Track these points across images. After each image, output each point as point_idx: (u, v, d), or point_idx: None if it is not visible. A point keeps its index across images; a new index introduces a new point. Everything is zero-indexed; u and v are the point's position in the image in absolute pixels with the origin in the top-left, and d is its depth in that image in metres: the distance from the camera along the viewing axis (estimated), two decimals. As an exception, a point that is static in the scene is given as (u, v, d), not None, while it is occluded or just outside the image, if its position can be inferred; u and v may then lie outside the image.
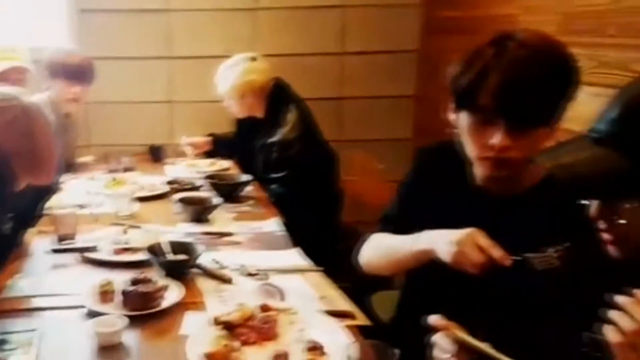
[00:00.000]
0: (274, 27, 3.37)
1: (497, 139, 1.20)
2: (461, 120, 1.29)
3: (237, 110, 2.86)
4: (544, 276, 1.21)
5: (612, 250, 1.01)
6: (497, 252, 1.15)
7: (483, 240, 1.17)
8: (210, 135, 3.14)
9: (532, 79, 1.17)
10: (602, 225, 1.00)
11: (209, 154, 3.11)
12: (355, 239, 2.85)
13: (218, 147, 3.12)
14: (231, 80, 2.75)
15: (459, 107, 1.29)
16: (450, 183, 1.40)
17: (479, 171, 1.32)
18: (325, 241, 2.27)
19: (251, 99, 2.78)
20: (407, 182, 1.56)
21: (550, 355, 1.19)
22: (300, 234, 2.05)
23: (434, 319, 1.07)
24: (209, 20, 3.35)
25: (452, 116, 1.35)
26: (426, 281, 1.40)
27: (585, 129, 1.02)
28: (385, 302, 1.95)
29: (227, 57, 2.90)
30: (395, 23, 3.43)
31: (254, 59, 2.79)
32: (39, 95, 2.75)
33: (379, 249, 1.48)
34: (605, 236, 1.01)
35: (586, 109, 2.14)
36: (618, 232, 0.98)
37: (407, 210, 1.50)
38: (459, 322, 1.08)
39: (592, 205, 1.00)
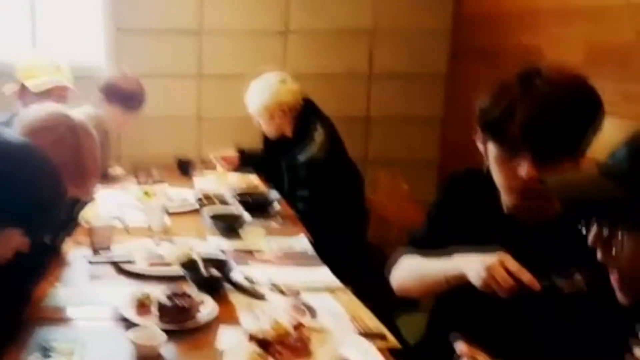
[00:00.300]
0: (304, 48, 3.46)
1: (523, 170, 1.25)
2: (490, 151, 1.34)
3: (266, 129, 2.93)
4: (572, 301, 1.24)
5: (619, 296, 1.00)
6: (526, 277, 1.19)
7: (512, 264, 1.21)
8: (238, 150, 3.21)
9: (557, 114, 1.22)
10: (599, 254, 1.01)
11: (236, 169, 3.18)
12: (381, 258, 2.91)
13: (246, 163, 3.19)
14: (262, 101, 2.82)
15: (487, 139, 1.35)
16: (480, 209, 1.44)
17: (508, 200, 1.36)
18: (350, 260, 2.32)
19: (281, 119, 2.85)
20: (438, 206, 1.61)
21: None
22: (325, 252, 2.10)
23: (459, 346, 1.10)
24: (239, 40, 3.45)
25: (480, 146, 1.40)
26: (455, 305, 1.44)
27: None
28: (410, 325, 1.98)
29: (256, 75, 2.98)
30: (423, 47, 3.51)
31: (284, 80, 2.86)
32: (84, 108, 2.85)
33: (411, 273, 1.52)
34: (611, 275, 1.00)
35: (611, 139, 2.18)
36: (616, 262, 0.98)
37: (437, 233, 1.54)
38: (487, 346, 1.12)
39: (591, 233, 1.01)
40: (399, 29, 3.48)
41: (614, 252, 0.95)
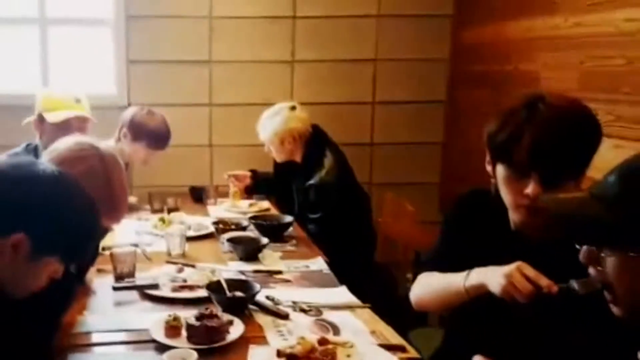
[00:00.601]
0: (310, 77, 3.58)
1: (530, 189, 1.34)
2: (498, 172, 1.44)
3: (277, 155, 3.03)
4: (588, 303, 1.29)
5: (614, 310, 1.05)
6: (544, 281, 1.26)
7: (530, 270, 1.28)
8: (250, 170, 3.30)
9: (562, 138, 1.32)
10: (591, 270, 1.06)
11: (248, 191, 3.27)
12: (389, 277, 2.98)
13: (257, 184, 3.28)
14: (273, 128, 2.93)
15: (496, 160, 1.44)
16: (488, 228, 1.52)
17: (515, 217, 1.44)
18: (361, 279, 2.39)
19: (291, 145, 2.96)
20: (447, 226, 1.69)
21: None
22: (336, 273, 2.18)
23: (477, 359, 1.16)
24: (248, 71, 3.56)
25: (488, 167, 1.50)
26: (471, 318, 1.52)
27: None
28: (420, 339, 2.06)
29: (265, 104, 3.10)
30: (424, 75, 3.63)
31: (293, 107, 2.98)
32: (106, 141, 2.93)
33: (430, 287, 1.60)
34: (606, 295, 1.05)
35: (605, 158, 2.29)
36: (606, 279, 1.04)
37: (450, 251, 1.62)
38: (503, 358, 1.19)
39: (582, 251, 1.06)
40: (400, 59, 3.61)
41: (602, 269, 1.02)
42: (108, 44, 3.52)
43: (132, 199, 3.21)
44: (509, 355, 1.22)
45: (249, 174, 3.28)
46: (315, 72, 3.57)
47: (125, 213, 1.79)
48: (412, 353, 1.53)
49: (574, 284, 1.17)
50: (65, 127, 2.53)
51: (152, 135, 2.92)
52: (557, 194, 1.21)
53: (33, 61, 3.50)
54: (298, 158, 3.00)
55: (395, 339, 1.62)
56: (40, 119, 2.60)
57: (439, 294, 1.56)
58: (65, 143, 1.73)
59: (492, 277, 1.34)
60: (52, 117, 2.57)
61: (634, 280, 1.00)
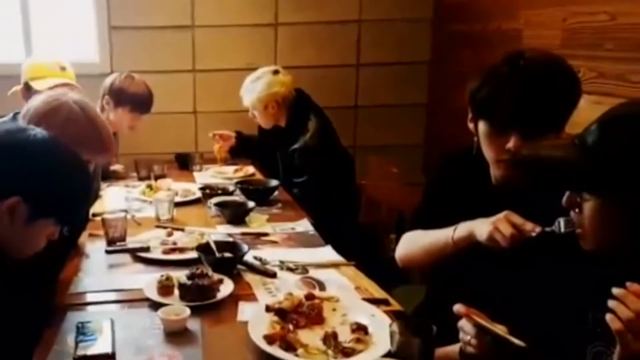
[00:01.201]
0: (294, 41, 3.57)
1: (511, 143, 1.40)
2: (480, 128, 1.49)
3: (261, 120, 3.05)
4: (567, 242, 1.34)
5: (580, 241, 1.15)
6: (529, 226, 1.32)
7: (516, 218, 1.35)
8: (235, 132, 3.32)
9: (542, 93, 1.36)
10: (572, 215, 1.16)
11: (232, 152, 3.30)
12: (372, 237, 3.04)
13: (241, 146, 3.31)
14: (256, 93, 2.95)
15: (478, 117, 1.49)
16: (470, 184, 1.58)
17: (497, 172, 1.50)
18: (345, 241, 2.45)
19: (275, 110, 2.98)
20: (432, 185, 1.75)
21: (559, 334, 1.29)
22: (320, 234, 2.23)
23: (457, 307, 1.21)
24: (231, 35, 3.54)
25: (470, 124, 1.54)
26: (452, 273, 1.59)
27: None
28: (403, 296, 2.13)
29: (249, 69, 3.10)
30: (407, 36, 3.64)
31: (276, 71, 2.99)
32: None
33: (416, 243, 1.67)
34: (577, 229, 1.16)
35: (587, 114, 2.33)
36: (580, 222, 1.13)
37: (434, 210, 1.68)
38: (480, 309, 1.25)
39: (565, 196, 1.15)
40: (383, 20, 3.61)
41: (580, 212, 1.11)
42: (89, 10, 3.48)
43: (118, 167, 3.25)
44: (488, 304, 1.28)
45: (233, 134, 3.30)
46: (299, 35, 3.57)
47: (112, 148, 1.86)
48: (396, 306, 1.60)
49: (560, 221, 1.23)
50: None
51: (134, 99, 2.93)
52: (539, 142, 1.26)
53: (15, 30, 3.47)
54: (282, 123, 3.03)
55: (379, 293, 1.68)
56: (27, 88, 2.62)
57: (426, 248, 1.62)
58: (37, 100, 1.78)
59: (480, 226, 1.41)
60: (38, 85, 2.58)
61: (605, 221, 1.09)
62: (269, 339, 1.38)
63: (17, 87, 2.65)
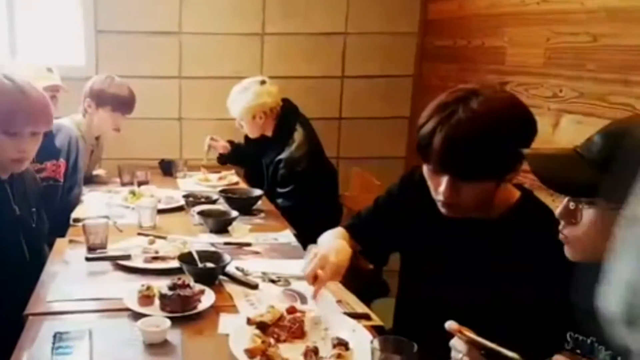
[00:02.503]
0: (280, 51, 3.58)
1: (442, 188, 1.40)
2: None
3: (249, 131, 3.06)
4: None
5: (566, 251, 1.16)
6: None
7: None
8: (229, 141, 3.33)
9: (473, 145, 1.32)
10: (561, 226, 1.16)
11: (223, 159, 3.30)
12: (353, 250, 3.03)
13: (233, 155, 3.31)
14: (243, 103, 2.96)
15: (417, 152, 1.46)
16: (429, 207, 1.52)
17: (440, 209, 1.48)
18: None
19: (262, 120, 2.99)
20: (389, 196, 1.77)
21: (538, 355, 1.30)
22: (304, 246, 2.23)
23: (449, 324, 1.21)
24: (218, 43, 3.55)
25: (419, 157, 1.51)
26: (418, 290, 1.60)
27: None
28: (383, 308, 2.14)
29: (235, 78, 3.11)
30: (392, 50, 3.67)
31: (263, 82, 3.00)
32: (75, 116, 2.93)
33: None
34: (561, 236, 1.16)
35: (568, 134, 2.38)
36: (575, 232, 1.13)
37: (379, 220, 1.74)
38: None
39: (560, 205, 1.15)
40: (369, 32, 3.64)
41: (574, 221, 1.12)
42: (76, 14, 3.47)
43: (100, 171, 3.24)
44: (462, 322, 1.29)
45: (228, 146, 3.31)
46: (285, 45, 3.59)
47: (51, 112, 1.90)
48: (377, 321, 1.60)
49: None
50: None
51: (115, 98, 2.92)
52: (540, 150, 1.25)
53: (0, 32, 3.43)
54: (269, 132, 3.04)
55: (361, 307, 1.69)
56: None
57: None
58: None
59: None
60: None
61: (603, 231, 1.06)
62: (250, 354, 1.37)
63: None
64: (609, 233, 1.09)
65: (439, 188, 1.40)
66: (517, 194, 1.49)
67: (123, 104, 2.94)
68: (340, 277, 1.68)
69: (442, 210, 1.46)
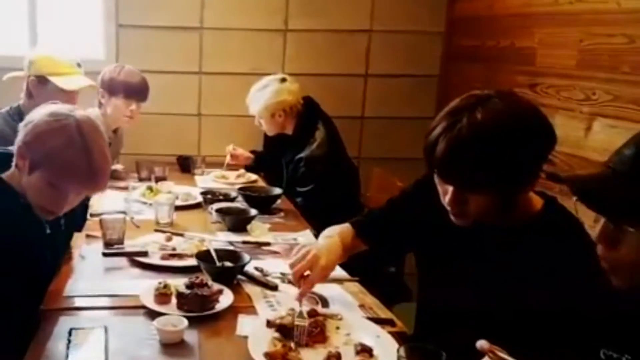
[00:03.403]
0: (302, 48, 3.53)
1: (447, 197, 1.35)
2: None
3: (268, 129, 3.02)
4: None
5: (613, 280, 1.06)
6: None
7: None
8: (252, 152, 3.29)
9: (470, 153, 1.25)
10: (600, 250, 1.05)
11: (246, 169, 3.25)
12: (375, 253, 2.98)
13: (256, 165, 3.27)
14: (263, 101, 2.91)
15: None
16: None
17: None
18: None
19: (282, 118, 2.94)
20: (403, 196, 1.74)
21: None
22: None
23: (480, 344, 1.13)
24: (239, 39, 3.50)
25: None
26: (437, 296, 1.53)
27: (604, 158, 1.10)
28: (406, 314, 2.08)
29: (255, 74, 3.06)
30: (418, 49, 3.61)
31: (284, 79, 2.95)
32: (91, 110, 2.89)
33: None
34: (603, 263, 1.06)
35: (602, 138, 2.30)
36: (618, 259, 1.02)
37: (390, 219, 1.69)
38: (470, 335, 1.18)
39: (597, 229, 1.05)
40: (395, 31, 3.57)
41: (617, 246, 1.02)
42: (97, 7, 3.44)
43: (118, 166, 3.20)
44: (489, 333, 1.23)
45: (251, 156, 3.26)
46: (308, 42, 3.53)
47: (107, 182, 1.76)
48: (401, 327, 1.55)
49: None
50: (71, 94, 2.52)
51: (127, 86, 2.87)
52: (576, 172, 1.17)
53: (21, 23, 3.41)
54: (289, 130, 2.99)
55: (384, 312, 1.63)
56: (41, 81, 2.54)
57: None
58: (40, 114, 1.69)
59: None
60: (63, 83, 2.53)
61: None
62: (270, 357, 1.32)
63: (18, 74, 2.59)
64: None
65: (446, 197, 1.35)
66: (540, 201, 1.42)
67: (135, 91, 2.89)
68: (326, 279, 1.67)
69: (452, 218, 1.40)
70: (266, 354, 1.33)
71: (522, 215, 1.39)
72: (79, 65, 2.62)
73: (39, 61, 2.57)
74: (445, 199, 1.36)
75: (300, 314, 1.45)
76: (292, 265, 1.63)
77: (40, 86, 2.55)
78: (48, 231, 1.82)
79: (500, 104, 1.28)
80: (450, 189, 1.33)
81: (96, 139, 1.68)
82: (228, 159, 3.20)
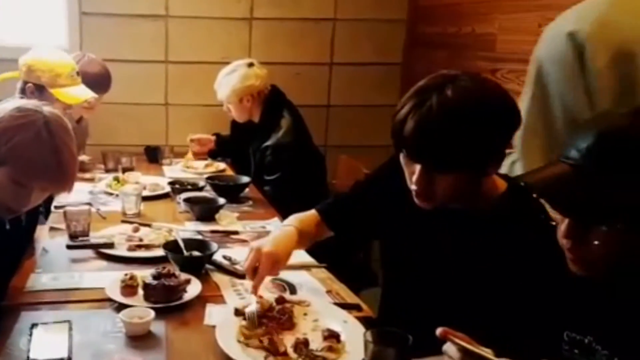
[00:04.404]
0: (268, 36, 3.52)
1: (415, 177, 1.32)
2: None
3: (236, 114, 3.00)
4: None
5: (574, 267, 1.06)
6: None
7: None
8: (214, 134, 3.27)
9: (441, 131, 1.24)
10: (568, 244, 1.04)
11: (211, 154, 3.24)
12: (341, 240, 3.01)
13: (220, 148, 3.26)
14: (231, 86, 2.89)
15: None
16: (409, 195, 1.44)
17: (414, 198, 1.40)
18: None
19: (250, 103, 2.93)
20: (368, 181, 1.76)
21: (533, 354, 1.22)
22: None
23: (439, 331, 1.12)
24: (205, 27, 3.47)
25: None
26: (402, 282, 1.54)
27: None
28: (372, 299, 2.10)
29: (223, 63, 3.04)
30: (381, 37, 3.62)
31: (251, 64, 2.94)
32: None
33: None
34: (569, 255, 1.05)
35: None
36: (587, 253, 1.01)
37: (355, 203, 1.69)
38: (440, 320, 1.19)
39: (562, 224, 1.03)
40: (358, 19, 3.58)
41: (585, 241, 1.00)
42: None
43: (84, 158, 3.14)
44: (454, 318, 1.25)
45: (212, 138, 3.25)
46: (274, 30, 3.52)
47: (74, 182, 1.68)
48: (367, 312, 1.57)
49: None
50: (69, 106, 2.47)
51: (88, 78, 2.69)
52: (535, 171, 1.12)
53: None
54: (256, 118, 2.98)
55: (351, 298, 1.65)
56: (40, 89, 2.40)
57: None
58: (6, 109, 1.61)
59: None
60: (65, 98, 2.41)
61: (621, 252, 0.98)
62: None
63: (11, 75, 2.49)
64: (625, 253, 1.00)
65: (412, 177, 1.34)
66: (503, 185, 1.42)
67: (92, 81, 2.73)
68: (282, 265, 1.60)
69: (416, 200, 1.38)
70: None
71: (486, 198, 1.39)
72: (77, 73, 2.52)
73: (37, 68, 2.41)
74: (413, 179, 1.33)
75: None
76: (244, 267, 1.62)
77: (39, 93, 2.40)
78: (7, 227, 1.78)
79: (469, 83, 1.28)
80: (418, 168, 1.31)
81: (65, 137, 1.61)
82: (193, 148, 3.17)
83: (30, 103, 1.67)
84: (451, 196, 1.34)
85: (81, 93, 2.49)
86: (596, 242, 0.99)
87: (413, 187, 1.35)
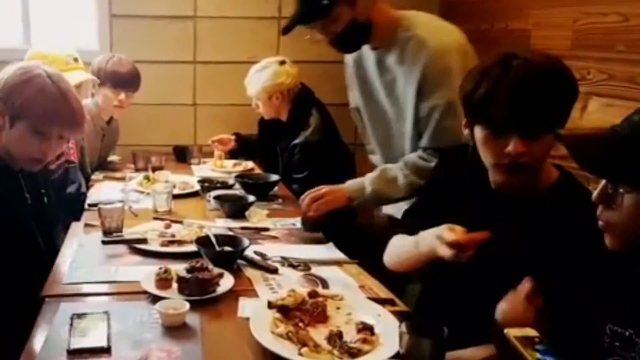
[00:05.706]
0: (296, 35, 3.51)
1: (512, 146, 1.32)
2: (476, 133, 1.41)
3: (264, 111, 3.01)
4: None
5: (607, 240, 1.10)
6: (480, 236, 1.30)
7: (447, 234, 1.32)
8: (234, 134, 3.29)
9: (538, 91, 1.30)
10: (599, 211, 1.08)
11: (232, 154, 3.25)
12: (369, 237, 3.00)
13: (241, 147, 3.27)
14: (261, 82, 2.91)
15: (474, 120, 1.41)
16: (468, 187, 1.52)
17: (496, 177, 1.43)
18: (345, 239, 2.41)
19: (279, 101, 2.94)
20: (429, 183, 1.73)
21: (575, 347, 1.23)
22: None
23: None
24: (233, 27, 3.48)
25: (465, 130, 1.46)
26: (442, 274, 1.53)
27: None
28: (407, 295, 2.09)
29: (250, 62, 3.06)
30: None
31: (283, 62, 2.95)
32: (86, 101, 2.88)
33: (396, 252, 1.64)
34: (600, 222, 1.09)
35: (598, 117, 2.31)
36: (616, 218, 1.06)
37: (427, 209, 1.65)
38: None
39: (597, 189, 1.08)
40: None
41: (615, 208, 1.04)
42: (90, -2, 3.42)
43: (114, 158, 3.21)
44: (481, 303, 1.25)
45: (232, 137, 3.26)
46: (302, 29, 3.50)
47: (84, 122, 1.86)
48: (402, 307, 1.56)
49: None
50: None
51: (115, 76, 2.86)
52: (576, 130, 1.19)
53: (14, 15, 3.39)
54: (284, 116, 2.99)
55: (385, 293, 1.64)
56: None
57: (401, 258, 1.60)
58: (7, 72, 1.78)
59: (430, 244, 1.39)
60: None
61: None
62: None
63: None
64: None
65: (506, 148, 1.33)
66: (556, 173, 1.45)
67: (123, 81, 2.87)
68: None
69: (502, 177, 1.39)
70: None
71: (541, 186, 1.42)
72: (75, 59, 2.58)
73: (33, 59, 2.52)
74: (507, 150, 1.33)
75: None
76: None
77: None
78: (30, 202, 1.85)
79: (529, 53, 1.36)
80: (513, 139, 1.32)
81: (67, 84, 1.81)
82: (217, 149, 3.20)
83: (30, 62, 1.88)
84: (536, 165, 1.37)
85: (76, 76, 2.54)
86: (619, 208, 1.03)
87: (505, 160, 1.35)
